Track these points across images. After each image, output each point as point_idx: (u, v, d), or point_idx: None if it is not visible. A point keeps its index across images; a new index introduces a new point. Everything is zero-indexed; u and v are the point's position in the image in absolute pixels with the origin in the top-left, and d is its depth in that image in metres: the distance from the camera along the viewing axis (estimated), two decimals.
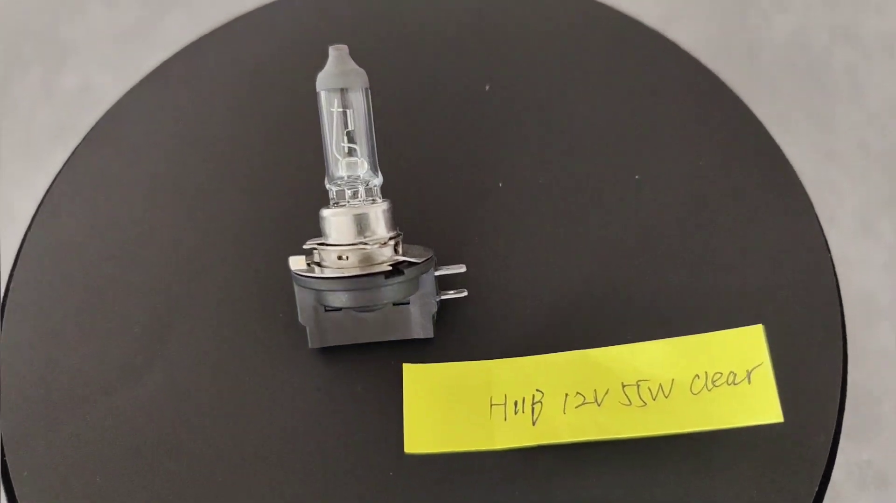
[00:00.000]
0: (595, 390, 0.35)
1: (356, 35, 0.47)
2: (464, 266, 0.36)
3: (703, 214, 0.40)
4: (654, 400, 0.34)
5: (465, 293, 0.37)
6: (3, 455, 0.35)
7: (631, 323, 0.37)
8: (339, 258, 0.34)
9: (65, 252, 0.41)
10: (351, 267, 0.34)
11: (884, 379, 0.77)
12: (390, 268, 0.33)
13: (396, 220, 0.36)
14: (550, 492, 0.34)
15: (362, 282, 0.33)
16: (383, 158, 0.37)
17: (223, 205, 0.42)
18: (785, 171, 0.42)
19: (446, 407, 0.35)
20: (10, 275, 0.41)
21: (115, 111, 0.46)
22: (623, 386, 0.34)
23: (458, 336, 0.37)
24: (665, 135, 0.43)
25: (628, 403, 0.34)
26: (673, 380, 0.34)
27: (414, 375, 0.36)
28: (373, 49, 0.47)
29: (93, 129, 0.46)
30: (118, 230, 0.42)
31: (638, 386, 0.34)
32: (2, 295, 0.40)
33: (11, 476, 0.35)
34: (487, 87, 0.45)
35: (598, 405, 0.34)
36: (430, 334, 0.36)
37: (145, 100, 0.47)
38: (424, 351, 0.37)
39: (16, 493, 0.34)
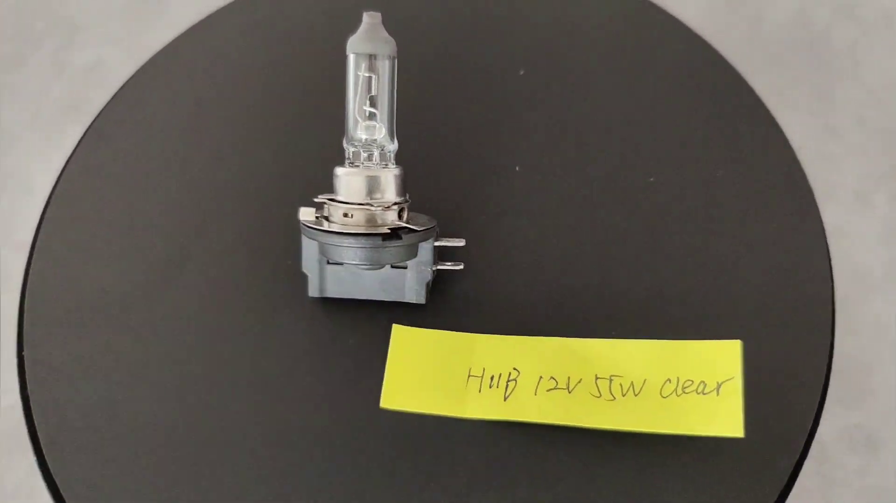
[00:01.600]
0: (569, 377, 0.36)
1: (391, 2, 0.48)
2: (463, 240, 0.38)
3: (713, 220, 0.41)
4: (624, 396, 0.35)
5: (462, 266, 0.38)
6: (22, 357, 0.39)
7: (620, 317, 0.38)
8: (345, 215, 0.36)
9: (103, 179, 0.44)
10: (354, 225, 0.36)
11: (875, 349, 0.80)
12: (389, 231, 0.35)
13: (407, 187, 0.38)
14: (510, 468, 0.35)
15: (361, 240, 0.35)
16: (403, 126, 0.39)
17: (249, 152, 0.45)
18: (793, 171, 0.42)
19: (426, 370, 0.37)
20: (52, 192, 0.44)
21: (157, 60, 0.49)
22: (596, 378, 0.36)
23: (450, 306, 0.39)
24: (683, 136, 0.43)
25: (598, 395, 0.35)
26: (645, 380, 0.35)
27: (401, 336, 0.38)
28: (406, 17, 0.48)
29: (136, 73, 0.48)
30: (155, 164, 0.45)
31: (611, 380, 0.35)
32: (41, 212, 0.44)
33: (27, 377, 0.38)
34: (522, 72, 0.46)
35: (569, 392, 0.36)
36: (423, 300, 0.38)
37: (186, 51, 0.49)
38: (416, 315, 0.39)
39: (28, 391, 0.38)
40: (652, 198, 0.41)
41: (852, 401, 0.78)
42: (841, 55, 0.96)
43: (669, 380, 0.35)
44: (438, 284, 0.39)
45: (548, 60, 0.46)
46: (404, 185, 0.37)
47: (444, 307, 0.39)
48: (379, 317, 0.39)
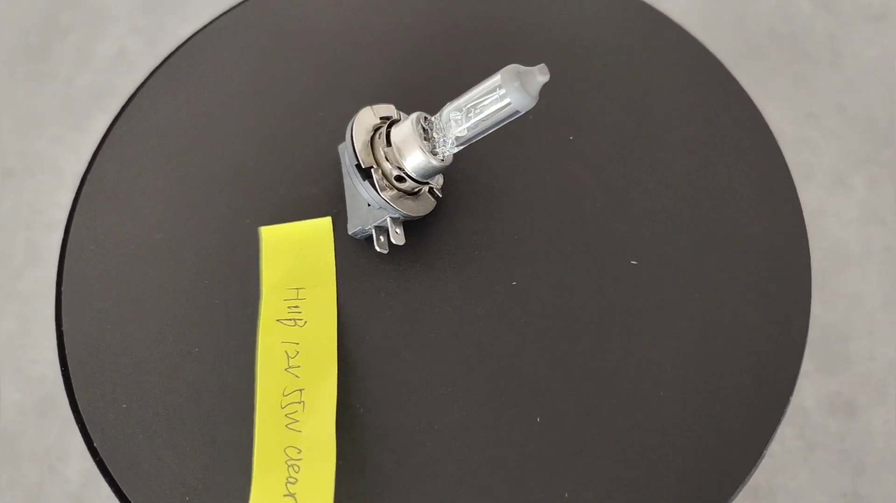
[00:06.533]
0: (300, 365, 0.40)
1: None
2: (403, 241, 0.42)
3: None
4: (291, 416, 0.38)
5: (386, 251, 0.43)
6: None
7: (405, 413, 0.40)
8: (377, 135, 0.41)
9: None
10: (371, 147, 0.41)
11: (852, 319, 0.86)
12: (364, 169, 0.40)
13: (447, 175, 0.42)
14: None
15: (352, 155, 0.40)
16: (482, 154, 0.41)
17: (372, 68, 0.51)
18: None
19: (299, 257, 0.44)
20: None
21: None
22: (302, 390, 0.39)
23: (359, 263, 0.44)
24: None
25: (290, 401, 0.39)
26: (303, 431, 0.38)
27: (320, 226, 0.45)
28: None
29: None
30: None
31: (303, 407, 0.39)
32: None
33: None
34: (634, 262, 0.43)
35: (289, 366, 0.40)
36: (348, 233, 0.44)
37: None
38: (343, 238, 0.45)
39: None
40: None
41: (831, 368, 0.84)
42: (821, 46, 1.04)
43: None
44: (372, 248, 0.43)
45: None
46: (429, 172, 0.40)
47: (356, 249, 0.44)
48: (334, 203, 0.45)
